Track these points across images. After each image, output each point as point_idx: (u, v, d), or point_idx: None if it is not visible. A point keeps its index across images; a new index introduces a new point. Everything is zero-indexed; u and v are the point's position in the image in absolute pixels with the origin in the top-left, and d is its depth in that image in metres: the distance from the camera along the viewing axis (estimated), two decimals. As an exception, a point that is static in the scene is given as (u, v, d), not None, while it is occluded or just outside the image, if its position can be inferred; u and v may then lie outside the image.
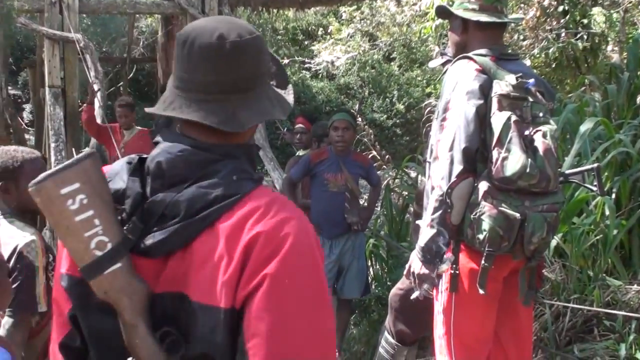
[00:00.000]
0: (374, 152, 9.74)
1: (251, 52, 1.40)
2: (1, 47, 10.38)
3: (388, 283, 5.58)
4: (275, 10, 12.53)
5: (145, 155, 1.43)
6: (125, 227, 1.36)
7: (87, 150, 1.36)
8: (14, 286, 2.59)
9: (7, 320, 2.68)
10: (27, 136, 12.76)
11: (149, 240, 1.34)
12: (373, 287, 5.74)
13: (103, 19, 16.36)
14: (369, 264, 5.99)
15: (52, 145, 7.16)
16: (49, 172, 1.32)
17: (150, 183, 1.38)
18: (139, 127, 7.35)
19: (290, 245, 1.27)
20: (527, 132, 2.83)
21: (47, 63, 7.76)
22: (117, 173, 1.43)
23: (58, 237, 1.36)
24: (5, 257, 2.57)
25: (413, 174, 7.71)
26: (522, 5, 10.28)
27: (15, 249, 2.72)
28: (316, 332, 1.28)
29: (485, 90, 2.88)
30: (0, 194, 2.86)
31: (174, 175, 1.35)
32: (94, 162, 1.37)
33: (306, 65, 16.30)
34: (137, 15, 13.20)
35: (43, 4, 7.75)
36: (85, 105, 7.09)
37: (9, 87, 14.47)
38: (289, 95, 1.52)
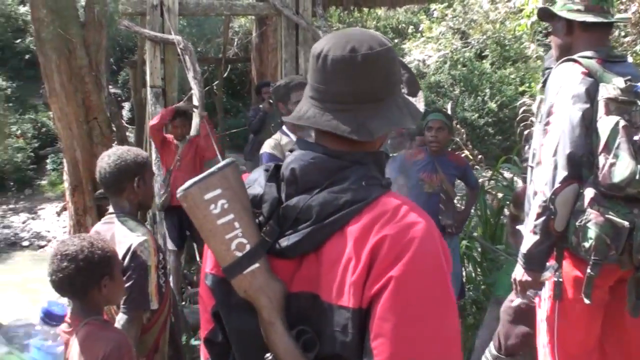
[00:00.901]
0: (466, 152, 9.63)
1: (382, 63, 1.46)
2: (104, 48, 10.85)
3: (482, 286, 5.52)
4: (366, 9, 12.57)
5: (280, 163, 1.52)
6: (262, 230, 1.45)
7: (228, 159, 1.44)
8: (127, 284, 2.72)
9: (121, 317, 2.81)
10: (127, 134, 13.30)
11: (284, 242, 1.42)
12: (467, 289, 5.69)
13: (198, 20, 16.83)
14: (462, 266, 5.94)
15: (153, 143, 7.44)
16: (194, 179, 1.43)
17: (285, 188, 1.46)
18: (189, 136, 7.17)
19: (416, 248, 1.31)
20: (636, 138, 2.74)
21: (149, 64, 8.07)
22: (255, 179, 1.52)
23: (203, 238, 1.46)
24: (120, 255, 2.70)
25: (508, 175, 7.57)
26: (623, 0, 9.90)
27: (129, 248, 2.85)
28: (440, 335, 1.31)
29: (591, 94, 2.81)
30: (127, 192, 3.00)
31: (307, 181, 1.43)
32: (234, 170, 1.46)
33: (396, 64, 16.17)
34: (232, 17, 13.50)
35: (145, 7, 8.05)
36: (164, 109, 7.02)
37: (110, 86, 15.13)
38: (419, 102, 1.57)
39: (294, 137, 4.34)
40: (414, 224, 1.35)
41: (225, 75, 15.04)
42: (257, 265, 1.42)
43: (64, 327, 2.37)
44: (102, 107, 10.62)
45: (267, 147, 4.37)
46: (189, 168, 6.68)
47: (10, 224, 17.98)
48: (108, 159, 3.02)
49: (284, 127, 4.48)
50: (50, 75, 10.01)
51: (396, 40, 19.59)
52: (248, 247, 1.42)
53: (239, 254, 1.42)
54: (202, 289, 1.61)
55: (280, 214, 1.44)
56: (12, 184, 19.39)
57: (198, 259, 7.92)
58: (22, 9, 21.12)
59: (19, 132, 19.51)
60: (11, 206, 19.06)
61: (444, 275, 1.35)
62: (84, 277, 2.34)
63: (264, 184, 1.49)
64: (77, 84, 10.13)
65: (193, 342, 5.58)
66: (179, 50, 7.61)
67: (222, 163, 1.46)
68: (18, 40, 21.64)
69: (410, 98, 1.57)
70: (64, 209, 18.29)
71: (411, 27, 19.01)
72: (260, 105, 8.21)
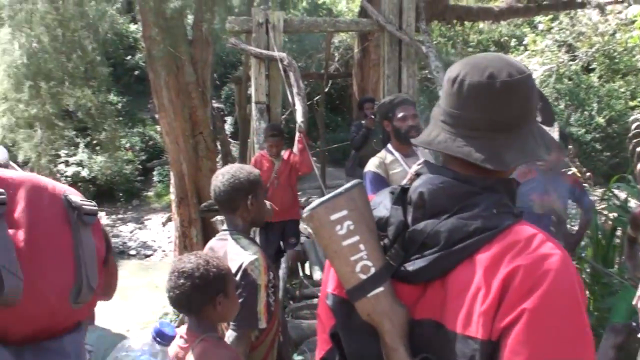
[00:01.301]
0: (574, 169, 9.26)
1: (521, 91, 1.41)
2: (210, 65, 11.21)
3: (595, 313, 5.26)
4: (468, 23, 12.40)
5: (407, 186, 1.49)
6: (387, 254, 1.43)
7: (355, 181, 1.43)
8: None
9: (230, 334, 2.84)
10: (230, 147, 13.66)
11: (410, 267, 1.39)
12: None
13: (300, 35, 17.10)
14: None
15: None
16: (321, 199, 1.42)
17: (412, 212, 1.43)
18: (283, 152, 7.07)
19: (552, 281, 1.25)
20: None
21: (254, 80, 8.24)
22: (381, 202, 1.50)
23: (327, 258, 1.45)
24: None
25: (620, 194, 7.22)
26: None
27: (240, 266, 2.86)
28: None
29: None
30: (241, 210, 3.05)
31: (435, 206, 1.39)
32: (361, 191, 1.45)
33: (498, 78, 15.88)
34: (334, 32, 13.63)
35: (251, 25, 8.23)
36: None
37: (213, 101, 15.60)
38: (554, 132, 1.51)
39: (399, 156, 4.30)
40: (549, 255, 1.28)
41: (326, 90, 15.19)
42: (381, 289, 1.40)
43: (180, 342, 2.43)
44: (208, 121, 11.00)
45: (372, 165, 4.33)
46: (285, 184, 6.76)
47: (119, 233, 18.80)
48: (222, 177, 3.07)
49: (389, 146, 4.43)
50: (159, 91, 10.46)
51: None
52: (373, 270, 1.40)
53: (364, 277, 1.40)
54: (321, 308, 1.60)
55: (406, 237, 1.41)
56: (121, 194, 20.27)
57: (301, 274, 8.00)
58: (133, 27, 22.13)
59: (128, 145, 20.40)
60: (120, 216, 19.93)
61: (581, 310, 1.28)
62: (199, 294, 2.38)
63: (389, 206, 1.47)
64: (184, 100, 10.54)
65: (295, 357, 5.61)
66: (283, 66, 7.73)
67: (349, 184, 1.45)
68: (128, 57, 22.69)
69: (545, 127, 1.51)
70: (169, 219, 18.98)
71: (514, 40, 18.58)
72: (362, 122, 8.22)
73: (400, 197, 1.48)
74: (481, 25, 16.77)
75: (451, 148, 1.42)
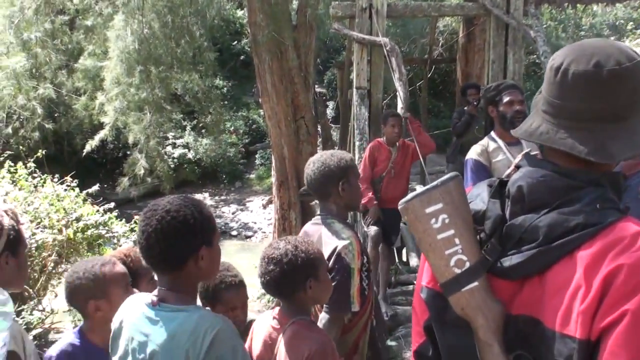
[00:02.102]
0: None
1: (629, 80, 1.33)
2: (313, 50, 11.28)
3: None
4: (580, 6, 11.86)
5: (505, 179, 1.45)
6: (483, 248, 1.40)
7: (452, 173, 1.41)
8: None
9: (323, 316, 2.88)
10: (331, 132, 13.73)
11: (507, 262, 1.35)
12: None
13: (403, 20, 16.93)
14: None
15: (357, 143, 7.59)
16: (416, 192, 1.41)
17: (510, 206, 1.39)
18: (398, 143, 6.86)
19: None
20: None
21: (356, 66, 8.23)
22: (478, 195, 1.47)
23: (422, 252, 1.44)
24: (325, 256, 2.76)
25: None
26: None
27: (334, 249, 2.89)
28: None
29: None
30: (333, 196, 3.08)
31: (534, 200, 1.35)
32: (457, 184, 1.42)
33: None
34: (438, 17, 13.41)
35: (354, 10, 8.21)
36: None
37: (316, 86, 15.73)
38: None
39: (502, 144, 4.19)
40: None
41: (429, 75, 15.00)
42: (475, 283, 1.37)
43: (273, 323, 2.49)
44: (309, 106, 11.09)
45: (473, 153, 4.24)
46: (400, 173, 6.71)
47: (221, 214, 19.38)
48: (313, 165, 3.14)
49: (492, 133, 4.32)
50: (263, 75, 10.63)
51: (612, 38, 18.33)
52: (467, 265, 1.38)
53: (458, 271, 1.38)
54: (416, 301, 1.59)
55: (504, 232, 1.38)
56: (224, 176, 20.87)
57: (397, 261, 7.97)
58: (240, 13, 22.61)
59: (232, 128, 20.92)
60: (223, 197, 20.53)
61: None
62: (288, 280, 2.42)
63: (487, 200, 1.44)
64: (287, 84, 10.67)
65: (389, 342, 5.61)
66: (385, 52, 7.68)
67: (445, 177, 1.43)
68: (234, 43, 23.23)
69: None
70: (270, 202, 19.38)
71: (631, 23, 17.63)
72: (465, 108, 8.06)
73: (498, 191, 1.44)
74: (595, 7, 16.02)
75: (553, 140, 1.37)
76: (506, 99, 4.10)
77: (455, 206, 1.40)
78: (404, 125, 6.84)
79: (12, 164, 8.22)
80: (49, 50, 10.68)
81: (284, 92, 10.62)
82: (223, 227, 18.61)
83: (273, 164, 11.42)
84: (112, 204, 8.59)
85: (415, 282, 6.59)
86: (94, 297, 2.58)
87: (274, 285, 2.45)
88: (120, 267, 2.67)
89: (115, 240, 8.50)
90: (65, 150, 18.05)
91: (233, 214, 19.36)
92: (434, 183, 1.42)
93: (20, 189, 7.84)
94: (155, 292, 2.01)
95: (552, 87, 1.39)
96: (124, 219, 8.90)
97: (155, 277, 2.07)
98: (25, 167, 8.20)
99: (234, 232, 18.27)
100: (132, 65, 8.74)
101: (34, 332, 6.33)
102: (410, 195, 1.42)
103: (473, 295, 1.37)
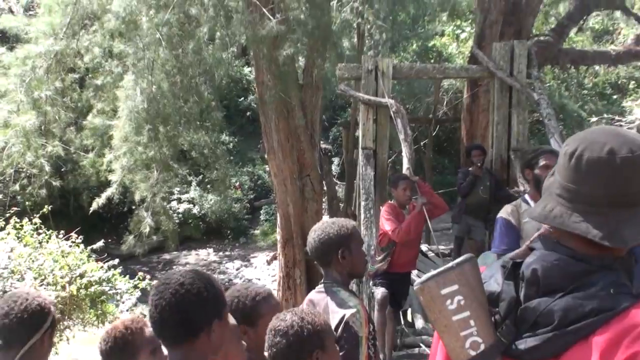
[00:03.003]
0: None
1: None
2: (319, 109, 11.43)
3: None
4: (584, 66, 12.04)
5: (519, 260, 1.47)
6: (498, 330, 1.40)
7: (466, 255, 1.43)
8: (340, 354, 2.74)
9: None
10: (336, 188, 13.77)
11: (522, 345, 1.36)
12: None
13: (408, 79, 17.17)
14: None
15: (362, 203, 7.59)
16: (432, 273, 1.43)
17: (524, 288, 1.41)
18: (409, 206, 6.73)
19: None
20: None
21: (362, 126, 8.31)
22: (492, 276, 1.48)
23: (437, 331, 1.44)
24: (333, 326, 2.74)
25: None
26: None
27: (342, 318, 2.87)
28: None
29: None
30: (334, 264, 3.09)
31: (549, 284, 1.36)
32: (473, 266, 1.44)
33: (616, 123, 15.29)
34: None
35: (361, 72, 8.34)
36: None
37: (321, 142, 15.87)
38: None
39: (534, 206, 4.22)
40: None
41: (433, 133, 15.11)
42: None
43: None
44: (315, 164, 11.17)
45: (504, 212, 4.29)
46: (414, 236, 6.61)
47: (225, 270, 19.30)
48: (314, 233, 3.16)
49: (525, 195, 4.38)
50: (269, 133, 10.75)
51: (614, 97, 18.52)
52: (482, 347, 1.39)
53: (473, 353, 1.39)
54: None
55: (518, 314, 1.39)
56: (228, 232, 20.86)
57: (402, 323, 7.90)
58: (246, 70, 22.95)
59: (237, 183, 21.01)
60: (227, 253, 20.48)
61: None
62: (295, 352, 2.39)
63: (501, 281, 1.45)
64: (293, 142, 10.77)
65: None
66: (391, 113, 7.77)
67: (460, 259, 1.45)
68: (241, 99, 23.53)
69: None
70: (274, 258, 19.30)
71: (633, 82, 17.84)
72: (470, 169, 8.12)
73: (512, 272, 1.46)
74: (597, 67, 16.26)
75: (567, 224, 1.39)
76: (542, 162, 4.19)
77: (470, 288, 1.41)
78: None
79: (18, 220, 8.25)
80: (59, 107, 10.85)
81: (290, 150, 10.72)
82: (227, 284, 18.49)
83: (278, 221, 11.44)
84: (117, 260, 8.58)
85: (421, 344, 6.56)
86: None
87: (280, 358, 2.44)
88: (148, 331, 2.75)
89: (118, 297, 8.46)
90: (72, 205, 18.10)
91: (237, 269, 19.28)
92: (450, 264, 1.44)
93: (25, 245, 7.85)
94: None
95: (567, 172, 1.42)
96: (127, 275, 8.87)
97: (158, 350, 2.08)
98: (31, 223, 8.23)
99: (237, 289, 18.15)
100: (140, 124, 8.84)
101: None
102: (426, 277, 1.43)
103: None
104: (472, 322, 1.39)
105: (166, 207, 10.06)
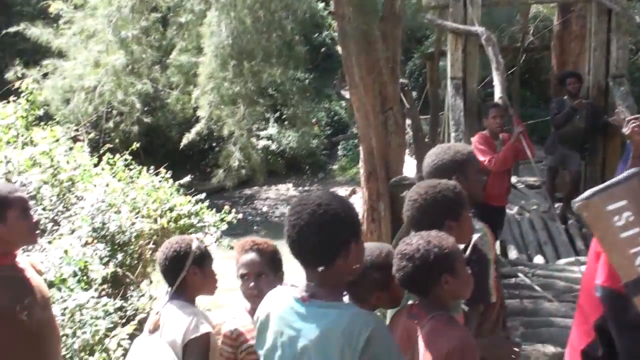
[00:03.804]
0: None
1: None
2: (400, 41, 11.21)
3: None
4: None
5: None
6: None
7: (634, 169, 1.37)
8: None
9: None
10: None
11: None
12: None
13: (488, 8, 16.57)
14: None
15: (452, 134, 7.47)
16: (596, 188, 1.39)
17: None
18: (501, 136, 6.57)
19: None
20: None
21: (450, 56, 8.11)
22: None
23: (602, 250, 1.41)
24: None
25: None
26: None
27: (469, 241, 2.87)
28: None
29: None
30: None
31: None
32: None
33: None
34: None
35: (448, 0, 8.09)
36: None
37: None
38: None
39: None
40: None
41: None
42: None
43: (411, 318, 2.46)
44: (397, 97, 11.03)
45: None
46: (503, 170, 6.41)
47: (305, 205, 19.55)
48: (429, 158, 3.14)
49: None
50: (351, 67, 10.62)
51: None
52: (653, 265, 1.35)
53: None
54: (583, 299, 1.57)
55: None
56: (307, 167, 21.03)
57: (498, 251, 7.84)
58: (320, 5, 22.65)
59: (315, 119, 21.04)
60: (306, 188, 20.71)
61: None
62: (422, 276, 2.39)
63: None
64: (374, 76, 10.63)
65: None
66: (482, 41, 7.53)
67: (627, 173, 1.40)
68: (315, 35, 23.31)
69: None
70: (353, 192, 19.41)
71: None
72: (564, 97, 7.83)
73: None
74: None
75: None
76: None
77: (639, 204, 1.36)
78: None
79: (111, 156, 8.57)
80: (144, 46, 11.02)
81: (371, 83, 10.59)
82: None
83: (361, 155, 11.42)
84: (204, 195, 8.81)
85: (519, 274, 6.50)
86: None
87: (408, 282, 2.45)
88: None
89: (206, 230, 8.72)
90: (155, 142, 18.57)
91: (317, 204, 19.49)
92: (615, 179, 1.39)
93: (119, 180, 8.15)
94: (304, 287, 2.02)
95: None
96: (214, 209, 9.11)
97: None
98: (124, 159, 8.53)
99: (318, 224, 18.38)
100: (225, 59, 8.90)
101: (139, 317, 6.56)
102: (588, 193, 1.40)
103: None
104: (641, 239, 1.35)
105: (253, 143, 10.21)
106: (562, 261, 7.26)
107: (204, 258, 2.98)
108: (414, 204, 2.76)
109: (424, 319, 2.40)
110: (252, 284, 2.83)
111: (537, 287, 6.04)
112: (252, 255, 2.88)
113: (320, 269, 1.99)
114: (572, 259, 7.17)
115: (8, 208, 2.80)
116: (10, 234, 2.81)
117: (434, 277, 2.40)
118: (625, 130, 4.04)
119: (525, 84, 18.84)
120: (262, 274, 2.86)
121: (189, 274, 2.90)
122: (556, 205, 8.65)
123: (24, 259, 3.07)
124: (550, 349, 5.14)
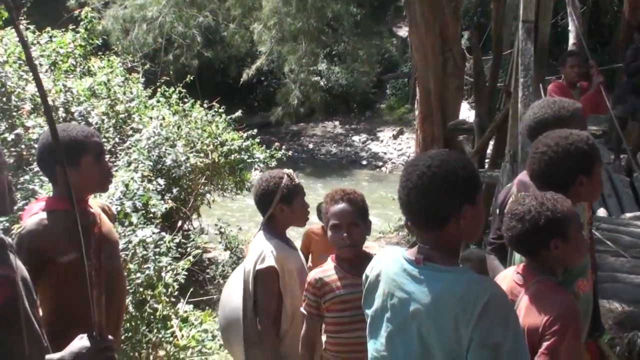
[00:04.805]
0: None
1: None
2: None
3: None
4: None
5: None
6: None
7: None
8: None
9: None
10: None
11: None
12: None
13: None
14: None
15: (521, 80, 7.27)
16: None
17: None
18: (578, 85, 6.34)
19: None
20: None
21: (523, -3, 7.83)
22: None
23: None
24: None
25: None
26: None
27: None
28: None
29: None
30: None
31: None
32: None
33: None
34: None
35: None
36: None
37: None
38: None
39: None
40: None
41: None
42: None
43: (517, 278, 2.41)
44: (458, 38, 10.75)
45: None
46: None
47: (351, 143, 19.51)
48: (531, 111, 3.02)
49: None
50: (412, 4, 10.35)
51: None
52: None
53: None
54: None
55: None
56: (354, 105, 20.90)
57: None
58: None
59: (365, 56, 20.76)
60: (353, 126, 20.63)
61: None
62: (531, 238, 2.32)
63: None
64: (436, 14, 10.36)
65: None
66: (557, -18, 7.26)
67: None
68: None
69: None
70: (401, 132, 19.29)
71: None
72: (640, 45, 7.58)
73: None
74: None
75: None
76: None
77: None
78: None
79: (167, 89, 8.61)
80: (204, -23, 10.89)
81: (433, 22, 10.32)
82: (353, 157, 18.76)
83: (417, 96, 11.24)
84: (255, 131, 8.81)
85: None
86: None
87: (516, 243, 2.37)
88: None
89: (255, 166, 8.77)
90: (205, 75, 18.58)
91: (363, 143, 19.43)
92: None
93: (174, 113, 8.19)
94: (417, 249, 1.96)
95: None
96: (264, 145, 9.13)
97: None
98: (177, 92, 8.58)
99: (364, 162, 18.38)
100: (288, -6, 8.77)
101: (195, 252, 6.68)
102: None
103: None
104: None
105: (313, 80, 10.13)
106: (626, 215, 7.14)
107: (291, 194, 3.13)
108: (542, 157, 2.56)
109: (530, 280, 2.37)
110: (345, 234, 2.83)
111: (607, 241, 5.94)
112: (343, 205, 2.84)
113: (430, 233, 1.91)
114: (637, 213, 7.05)
115: (83, 153, 2.68)
116: (82, 181, 2.67)
117: (543, 241, 2.32)
118: None
119: (589, 33, 18.29)
120: (354, 224, 2.86)
121: (276, 210, 3.12)
122: (621, 157, 8.47)
123: (96, 202, 2.99)
124: (615, 305, 5.00)
